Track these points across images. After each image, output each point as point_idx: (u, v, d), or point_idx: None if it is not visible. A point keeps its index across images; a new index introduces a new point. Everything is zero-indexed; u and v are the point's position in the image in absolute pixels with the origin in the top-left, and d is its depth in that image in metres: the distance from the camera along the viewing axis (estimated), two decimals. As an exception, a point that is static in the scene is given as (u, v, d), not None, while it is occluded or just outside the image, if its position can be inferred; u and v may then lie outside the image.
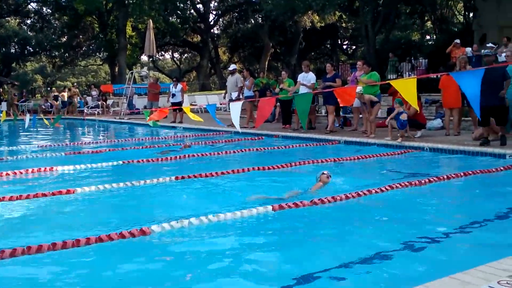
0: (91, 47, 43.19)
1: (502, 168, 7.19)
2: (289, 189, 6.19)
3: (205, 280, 3.45)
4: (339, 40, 43.38)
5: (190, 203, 5.88)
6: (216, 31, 44.13)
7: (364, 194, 5.70)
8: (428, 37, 34.00)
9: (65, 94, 25.49)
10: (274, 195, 5.90)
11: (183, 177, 7.05)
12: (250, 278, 3.49)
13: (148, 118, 7.53)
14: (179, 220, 4.71)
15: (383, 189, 5.88)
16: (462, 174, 6.74)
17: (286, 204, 5.19)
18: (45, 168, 7.88)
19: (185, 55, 51.77)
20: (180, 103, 17.56)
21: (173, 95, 17.84)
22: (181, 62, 53.07)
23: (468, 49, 16.14)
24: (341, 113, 14.08)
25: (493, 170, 7.05)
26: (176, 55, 51.92)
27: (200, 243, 4.30)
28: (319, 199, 5.38)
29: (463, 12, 27.69)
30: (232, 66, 17.02)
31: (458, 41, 16.84)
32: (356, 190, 5.83)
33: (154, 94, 19.23)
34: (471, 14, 23.71)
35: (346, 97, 5.53)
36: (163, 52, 48.33)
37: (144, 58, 38.08)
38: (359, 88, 10.99)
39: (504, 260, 3.10)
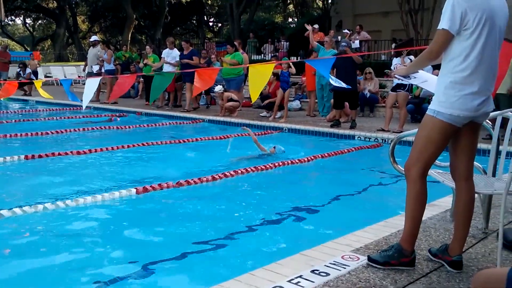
0: None
1: (353, 149, 7.82)
2: (152, 172, 6.15)
3: (59, 269, 3.30)
4: (205, 17, 43.28)
5: (44, 186, 5.50)
6: (74, -2, 41.25)
7: (231, 175, 5.85)
8: (290, 19, 35.42)
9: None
10: (134, 176, 5.81)
11: (33, 156, 6.59)
12: (103, 264, 3.39)
13: (-4, 96, 6.80)
14: (33, 205, 4.41)
15: (242, 171, 6.05)
16: (319, 156, 7.12)
17: (150, 186, 5.12)
18: None
19: (39, 21, 47.66)
20: (31, 80, 16.32)
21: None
22: (34, 29, 48.79)
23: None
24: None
25: (339, 152, 7.56)
26: (28, 21, 47.56)
27: (56, 229, 4.08)
28: (185, 181, 5.39)
29: (322, -2, 29.27)
30: (93, 37, 16.18)
31: (316, 26, 17.79)
32: (222, 171, 5.95)
33: (3, 63, 17.52)
34: (329, 1, 25.16)
35: (206, 78, 5.56)
36: (13, 17, 43.95)
37: (-10, 22, 34.34)
38: (219, 87, 11.27)
39: (348, 236, 3.42)
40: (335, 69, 9.61)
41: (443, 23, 2.59)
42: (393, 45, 9.39)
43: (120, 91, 6.21)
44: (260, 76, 4.91)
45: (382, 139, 8.54)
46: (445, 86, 2.65)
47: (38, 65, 21.34)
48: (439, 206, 4.11)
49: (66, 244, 3.71)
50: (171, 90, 13.18)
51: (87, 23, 44.04)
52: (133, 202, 4.84)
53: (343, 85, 7.15)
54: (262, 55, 20.80)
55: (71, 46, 43.56)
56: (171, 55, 12.87)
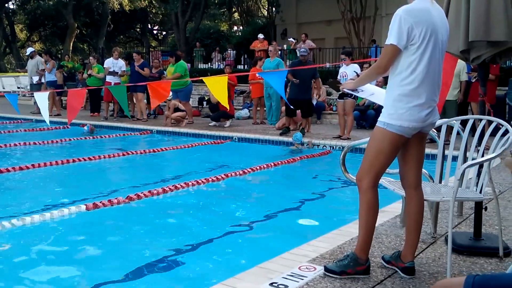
0: None
1: (298, 158, 7.90)
2: (101, 186, 5.98)
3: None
4: (149, 25, 42.78)
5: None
6: (11, 6, 39.72)
7: (182, 187, 5.75)
8: (236, 28, 35.56)
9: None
10: (82, 191, 5.63)
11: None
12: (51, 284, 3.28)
13: None
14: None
15: (193, 182, 5.95)
16: (264, 166, 7.11)
17: (100, 203, 4.97)
18: None
19: (-26, 30, 45.56)
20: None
21: None
22: (-32, 38, 46.59)
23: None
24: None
25: (291, 160, 7.65)
26: (-39, 29, 45.36)
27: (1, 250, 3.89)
28: (135, 194, 5.27)
29: (267, 6, 29.56)
30: (29, 50, 15.70)
31: (261, 35, 18.05)
32: (174, 183, 5.84)
33: None
34: (274, 9, 25.39)
35: (160, 91, 5.45)
36: None
37: None
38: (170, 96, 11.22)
39: (303, 246, 3.45)
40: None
41: (391, 39, 2.67)
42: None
43: (75, 110, 6.03)
44: (218, 85, 4.90)
45: (331, 146, 8.71)
46: (394, 98, 2.73)
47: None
48: (389, 212, 4.23)
49: (12, 264, 3.55)
50: (116, 101, 12.90)
51: (25, 32, 42.48)
52: (83, 219, 4.68)
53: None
54: (210, 63, 20.76)
55: (8, 56, 41.87)
56: (117, 65, 12.66)
